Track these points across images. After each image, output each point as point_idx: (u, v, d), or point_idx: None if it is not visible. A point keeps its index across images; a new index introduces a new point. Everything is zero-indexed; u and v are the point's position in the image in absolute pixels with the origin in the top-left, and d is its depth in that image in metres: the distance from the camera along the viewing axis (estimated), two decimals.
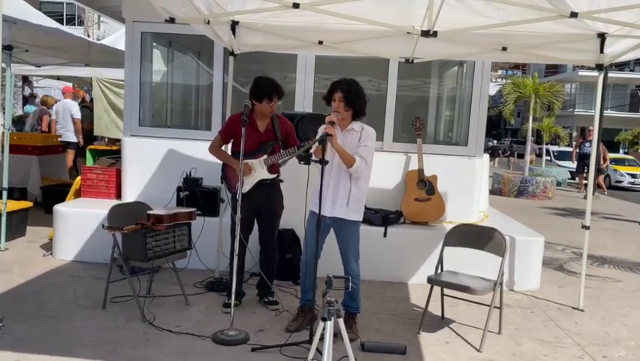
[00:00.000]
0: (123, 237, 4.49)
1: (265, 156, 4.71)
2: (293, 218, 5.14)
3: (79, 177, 6.79)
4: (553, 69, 44.82)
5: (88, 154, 9.85)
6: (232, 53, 5.45)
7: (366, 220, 5.74)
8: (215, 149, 4.85)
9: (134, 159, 6.44)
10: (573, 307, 5.47)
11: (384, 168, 5.81)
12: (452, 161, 6.45)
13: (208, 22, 4.62)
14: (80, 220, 5.95)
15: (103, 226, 4.48)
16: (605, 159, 16.87)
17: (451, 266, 4.80)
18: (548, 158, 21.80)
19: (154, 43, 7.18)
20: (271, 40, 5.33)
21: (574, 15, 3.76)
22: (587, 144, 16.09)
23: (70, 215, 6.02)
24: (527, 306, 5.48)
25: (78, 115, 10.33)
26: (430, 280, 4.59)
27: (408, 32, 4.82)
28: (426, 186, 6.22)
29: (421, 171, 6.23)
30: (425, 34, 3.76)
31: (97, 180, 6.61)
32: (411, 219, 6.21)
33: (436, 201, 6.23)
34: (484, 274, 4.68)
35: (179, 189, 5.91)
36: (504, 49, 5.15)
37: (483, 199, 7.16)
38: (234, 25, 5.19)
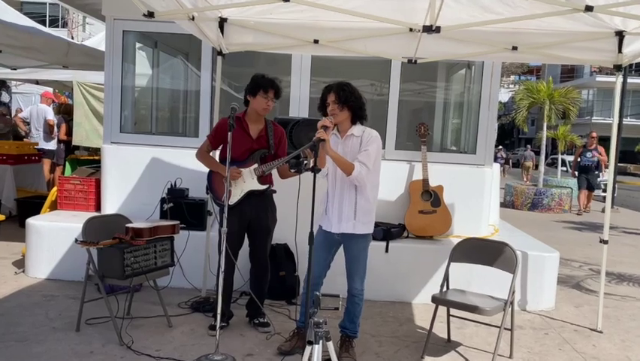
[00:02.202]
0: (99, 252, 4.39)
1: (255, 165, 4.63)
2: (286, 232, 5.04)
3: (54, 188, 6.70)
4: (569, 74, 44.98)
5: (67, 164, 9.83)
6: (220, 53, 5.38)
7: None
8: (202, 154, 4.78)
9: (114, 168, 6.36)
10: (591, 329, 5.37)
11: (385, 178, 5.51)
12: (459, 170, 6.38)
13: (192, 19, 4.54)
14: (55, 235, 5.86)
15: (76, 240, 4.39)
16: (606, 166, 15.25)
17: (458, 284, 4.73)
18: (564, 168, 21.68)
19: (138, 44, 7.16)
20: (263, 39, 5.27)
21: (589, 9, 3.69)
22: (588, 154, 14.24)
23: (44, 229, 5.92)
24: (541, 327, 5.38)
25: (52, 116, 10.40)
26: (434, 299, 4.49)
27: (410, 29, 4.78)
28: (431, 197, 6.15)
29: (425, 181, 6.15)
30: (427, 29, 3.69)
31: (74, 192, 6.54)
32: (415, 233, 6.14)
33: (441, 213, 6.15)
34: (493, 292, 4.61)
35: (162, 201, 5.82)
36: (514, 48, 5.08)
37: (493, 212, 7.08)
38: (222, 22, 5.13)
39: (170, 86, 8.18)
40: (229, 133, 4.14)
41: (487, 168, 6.45)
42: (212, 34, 5.16)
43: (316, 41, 5.22)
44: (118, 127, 6.47)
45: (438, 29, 3.70)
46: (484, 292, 4.61)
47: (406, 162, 6.40)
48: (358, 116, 4.19)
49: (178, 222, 4.83)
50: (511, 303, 4.40)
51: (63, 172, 9.95)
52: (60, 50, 7.24)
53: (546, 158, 17.45)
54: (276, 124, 4.87)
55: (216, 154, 4.90)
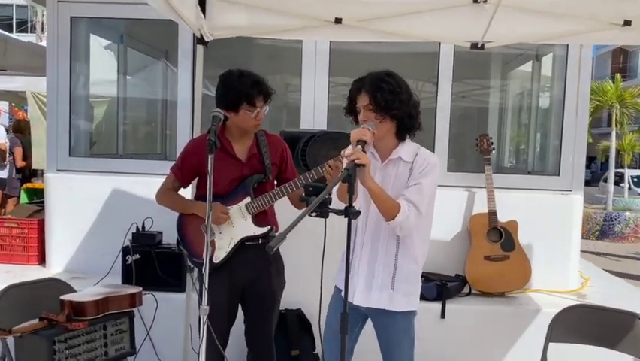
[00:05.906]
0: (17, 342, 3.47)
1: (248, 199, 3.69)
2: (300, 292, 4.29)
3: None
4: (620, 74, 44.51)
5: (23, 194, 9.35)
6: (202, 41, 4.49)
7: None
8: (166, 194, 3.88)
9: (62, 205, 5.64)
10: None
11: (436, 211, 4.86)
12: (538, 199, 5.58)
13: None
14: None
15: None
16: None
17: None
18: (627, 185, 20.97)
19: (98, 38, 6.59)
20: (261, 20, 4.41)
21: None
22: None
23: None
24: None
25: (2, 137, 9.99)
26: None
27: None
28: (501, 237, 5.33)
29: (492, 214, 5.32)
30: None
31: (10, 238, 5.77)
32: (479, 288, 5.35)
33: (516, 260, 5.31)
34: None
35: (125, 251, 4.99)
36: (627, 23, 4.12)
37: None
38: None
39: (142, 94, 7.72)
40: (210, 156, 3.08)
41: (576, 196, 5.63)
42: (188, 14, 4.28)
43: (338, 20, 4.35)
44: (66, 149, 5.76)
45: None
46: None
47: (464, 188, 5.61)
48: (407, 127, 3.19)
49: (140, 289, 3.92)
50: None
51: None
52: None
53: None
54: (270, 134, 3.98)
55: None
